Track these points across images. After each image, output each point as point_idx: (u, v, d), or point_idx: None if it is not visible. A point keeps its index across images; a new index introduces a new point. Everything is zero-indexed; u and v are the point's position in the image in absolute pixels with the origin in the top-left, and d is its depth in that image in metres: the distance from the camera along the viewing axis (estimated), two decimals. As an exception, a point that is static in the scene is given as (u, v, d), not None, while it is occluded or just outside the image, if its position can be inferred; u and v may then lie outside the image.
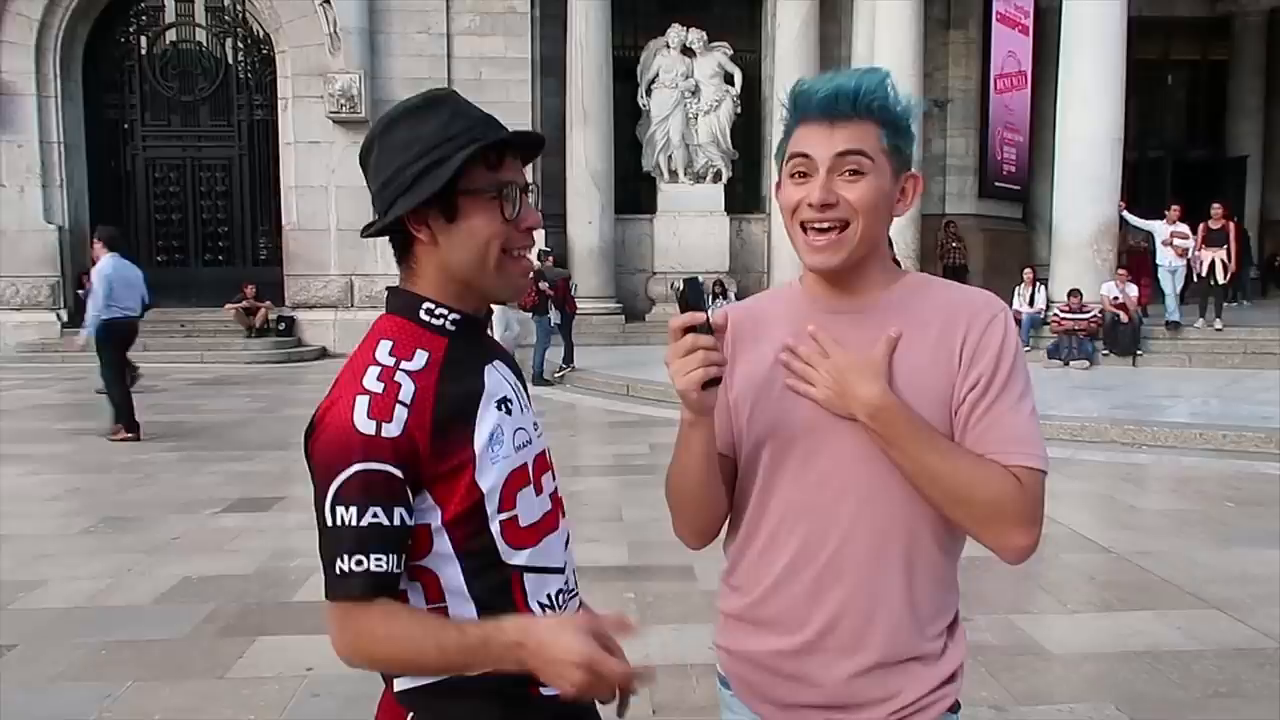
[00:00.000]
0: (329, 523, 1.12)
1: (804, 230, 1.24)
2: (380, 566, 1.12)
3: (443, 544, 1.17)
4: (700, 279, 1.28)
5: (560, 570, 1.28)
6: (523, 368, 1.44)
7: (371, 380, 1.14)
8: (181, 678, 3.44)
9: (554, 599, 1.26)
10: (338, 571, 1.12)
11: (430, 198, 1.17)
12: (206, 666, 3.53)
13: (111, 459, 7.31)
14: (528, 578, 1.22)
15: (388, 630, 1.13)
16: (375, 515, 1.11)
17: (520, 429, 1.24)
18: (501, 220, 1.19)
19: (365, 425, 1.11)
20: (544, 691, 1.19)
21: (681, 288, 1.21)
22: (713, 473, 1.29)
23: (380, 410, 1.12)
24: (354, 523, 1.10)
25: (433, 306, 1.23)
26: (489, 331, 1.34)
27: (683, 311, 1.17)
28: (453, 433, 1.15)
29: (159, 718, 3.13)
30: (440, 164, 1.16)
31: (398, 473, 1.11)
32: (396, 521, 1.12)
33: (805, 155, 1.23)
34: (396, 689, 1.24)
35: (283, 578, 4.51)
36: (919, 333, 1.25)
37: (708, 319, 1.17)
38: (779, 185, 1.29)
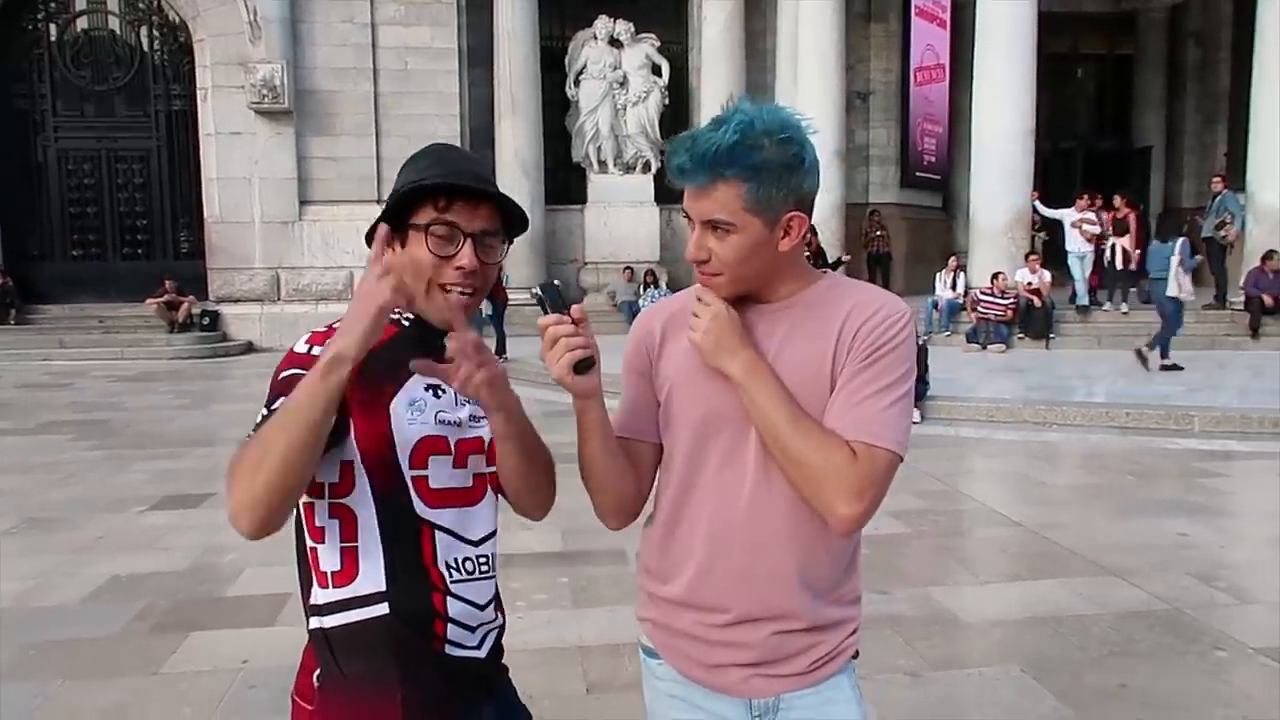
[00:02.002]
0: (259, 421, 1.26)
1: None
2: None
3: (363, 484, 1.31)
4: (556, 282, 1.41)
5: (475, 543, 1.40)
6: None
7: (317, 330, 1.37)
8: (114, 675, 3.43)
9: (461, 564, 1.37)
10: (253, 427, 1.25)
11: (394, 225, 1.35)
12: (139, 663, 3.52)
13: (31, 459, 7.14)
14: (439, 536, 1.35)
15: (248, 446, 1.22)
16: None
17: (443, 411, 1.37)
18: (430, 254, 1.34)
19: (300, 347, 1.34)
20: (448, 650, 1.35)
21: (539, 293, 1.35)
22: (613, 454, 1.39)
23: (315, 340, 1.34)
24: (267, 409, 1.26)
25: (398, 310, 1.39)
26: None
27: (545, 314, 1.31)
28: (375, 383, 1.31)
29: (94, 715, 3.13)
30: (395, 197, 1.35)
31: None
32: None
33: (686, 213, 1.37)
34: (310, 626, 1.36)
35: (215, 573, 4.50)
36: (818, 325, 1.36)
37: (569, 314, 1.31)
38: None
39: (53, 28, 15.50)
